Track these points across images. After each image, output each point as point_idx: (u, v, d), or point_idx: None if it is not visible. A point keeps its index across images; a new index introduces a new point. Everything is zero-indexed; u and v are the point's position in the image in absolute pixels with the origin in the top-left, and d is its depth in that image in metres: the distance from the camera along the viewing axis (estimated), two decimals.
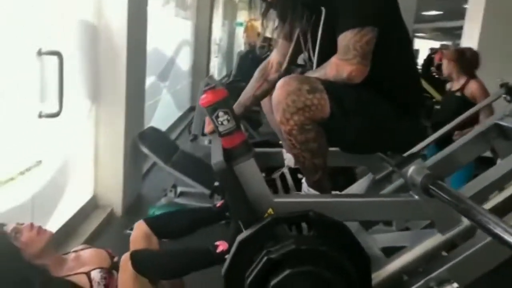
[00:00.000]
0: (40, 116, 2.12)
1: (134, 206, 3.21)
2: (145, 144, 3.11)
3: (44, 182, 2.30)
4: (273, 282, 1.14)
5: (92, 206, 2.96)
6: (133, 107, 3.08)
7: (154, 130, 3.48)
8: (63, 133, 2.49)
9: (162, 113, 5.03)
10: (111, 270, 1.47)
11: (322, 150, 1.34)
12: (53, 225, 2.42)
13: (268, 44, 8.86)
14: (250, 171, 1.26)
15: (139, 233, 1.58)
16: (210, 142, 4.85)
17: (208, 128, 1.54)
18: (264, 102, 1.74)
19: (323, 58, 1.38)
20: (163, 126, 5.05)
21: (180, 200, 3.26)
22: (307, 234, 1.22)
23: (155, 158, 3.12)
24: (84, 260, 1.51)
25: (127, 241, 2.73)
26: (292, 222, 1.24)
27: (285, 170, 1.74)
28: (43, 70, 2.12)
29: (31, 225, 1.42)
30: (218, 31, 9.98)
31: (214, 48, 9.18)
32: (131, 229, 2.80)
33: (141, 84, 3.31)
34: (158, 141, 3.38)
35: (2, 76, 1.84)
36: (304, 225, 1.24)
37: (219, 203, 1.73)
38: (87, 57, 2.70)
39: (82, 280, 1.38)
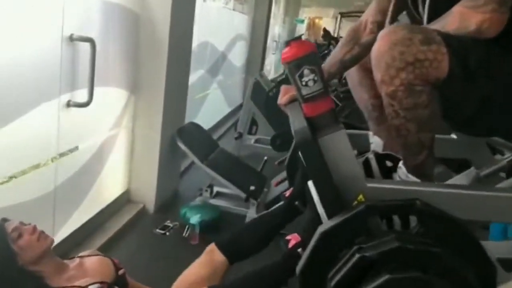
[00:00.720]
0: (69, 105, 2.02)
1: (167, 204, 3.09)
2: (182, 140, 2.98)
3: (77, 170, 2.23)
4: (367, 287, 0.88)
5: (123, 201, 2.88)
6: (173, 101, 2.95)
7: (194, 126, 3.35)
8: (99, 122, 2.41)
9: (210, 108, 4.91)
10: (112, 286, 1.32)
11: (433, 121, 1.06)
12: (81, 215, 2.35)
13: (328, 42, 8.57)
14: (339, 145, 1.01)
15: (209, 259, 1.39)
16: (255, 141, 4.72)
17: (284, 98, 1.30)
18: (351, 72, 1.49)
19: (437, 11, 1.10)
20: (210, 121, 4.95)
21: (215, 201, 3.10)
22: (413, 230, 0.97)
23: (192, 155, 2.98)
24: (86, 269, 1.38)
25: (156, 240, 2.65)
26: (392, 213, 0.99)
27: (370, 156, 1.47)
28: (76, 57, 2.03)
29: (34, 228, 1.31)
30: (277, 28, 9.78)
31: (272, 45, 8.99)
32: (161, 228, 2.74)
33: (183, 77, 3.18)
34: (197, 138, 3.24)
35: (34, 60, 1.76)
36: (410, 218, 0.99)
37: (287, 192, 1.52)
38: (127, 47, 2.60)
39: None
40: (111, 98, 2.52)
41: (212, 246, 1.43)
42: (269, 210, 1.53)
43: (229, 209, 3.06)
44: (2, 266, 1.23)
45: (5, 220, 1.31)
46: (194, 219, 2.66)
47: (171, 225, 2.80)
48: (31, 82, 1.77)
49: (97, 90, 2.16)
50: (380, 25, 1.34)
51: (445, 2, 1.06)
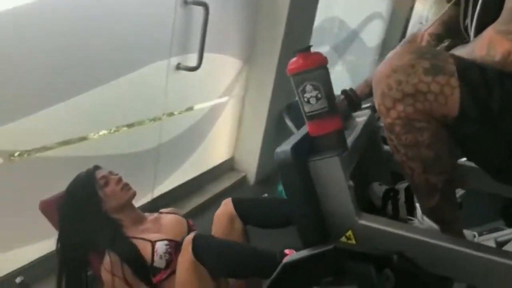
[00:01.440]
0: (178, 67, 2.11)
1: (268, 178, 3.09)
2: (290, 117, 2.92)
3: (182, 131, 2.34)
4: None
5: (226, 168, 2.96)
6: (286, 76, 2.89)
7: None
8: (208, 88, 2.49)
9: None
10: (181, 245, 1.35)
11: (442, 164, 0.92)
12: (182, 175, 2.47)
13: None
14: (331, 173, 0.94)
15: (224, 211, 1.45)
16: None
17: None
18: None
19: (482, 29, 0.92)
20: None
21: None
22: (383, 281, 0.85)
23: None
24: (161, 224, 1.44)
25: None
26: (366, 261, 0.87)
27: (401, 187, 1.32)
28: (189, 21, 2.09)
29: (119, 179, 1.41)
30: (424, 9, 8.97)
31: (416, 27, 8.31)
32: None
33: None
34: None
35: (149, 21, 1.86)
36: (387, 271, 0.87)
37: None
38: (244, 15, 2.60)
39: (145, 248, 1.30)
40: (223, 65, 2.56)
41: (228, 200, 1.49)
42: None
43: None
44: (89, 209, 1.34)
45: (97, 167, 1.43)
46: None
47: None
48: (143, 42, 1.87)
49: (208, 56, 2.22)
50: (439, 38, 1.19)
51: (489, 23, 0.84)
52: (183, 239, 1.41)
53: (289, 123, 2.93)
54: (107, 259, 1.27)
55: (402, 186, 1.34)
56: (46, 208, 1.38)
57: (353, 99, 1.30)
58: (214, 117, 2.63)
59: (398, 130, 0.90)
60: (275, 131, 3.01)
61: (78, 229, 1.32)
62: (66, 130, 1.64)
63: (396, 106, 0.88)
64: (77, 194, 1.35)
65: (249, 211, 1.45)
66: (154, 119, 2.09)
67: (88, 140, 1.78)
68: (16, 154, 1.48)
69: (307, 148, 1.00)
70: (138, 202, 2.17)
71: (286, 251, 1.15)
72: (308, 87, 0.99)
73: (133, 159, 2.02)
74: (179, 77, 2.14)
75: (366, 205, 1.36)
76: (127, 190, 1.41)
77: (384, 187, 1.37)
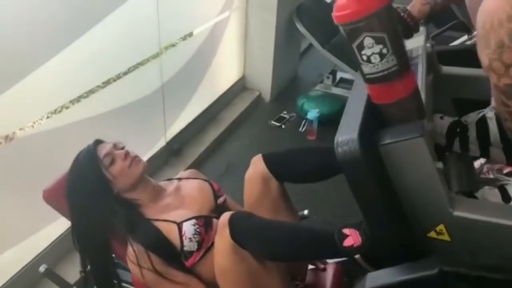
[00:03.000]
0: None
1: (284, 92, 2.86)
2: (302, 21, 2.58)
3: (184, 62, 2.08)
4: None
5: (239, 88, 2.72)
6: None
7: (315, 1, 2.85)
8: (206, 6, 2.15)
9: None
10: (209, 219, 1.18)
11: None
12: (195, 105, 2.26)
13: None
14: (414, 158, 0.69)
15: (255, 172, 1.25)
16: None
17: None
18: None
19: None
20: None
21: (337, 90, 2.77)
22: None
23: (312, 39, 2.59)
24: (183, 196, 1.25)
25: (271, 133, 2.50)
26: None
27: (489, 114, 1.05)
28: None
29: (126, 154, 1.18)
30: None
31: None
32: (277, 120, 2.56)
33: None
34: (318, 16, 2.77)
35: None
36: None
37: None
38: None
39: (171, 231, 1.13)
40: None
41: (257, 157, 1.26)
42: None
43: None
44: (98, 194, 1.16)
45: (98, 142, 1.21)
46: (312, 113, 2.40)
47: (287, 116, 2.61)
48: None
49: None
50: None
51: None
52: (210, 210, 1.24)
53: (301, 28, 2.59)
54: (130, 249, 1.13)
55: (471, 119, 1.09)
56: (51, 197, 1.21)
57: (409, 24, 1.01)
58: (216, 37, 2.32)
59: None
60: (286, 39, 2.69)
61: (91, 218, 1.15)
62: (59, 94, 1.43)
63: None
64: (81, 180, 1.16)
65: (284, 166, 1.23)
66: (152, 57, 1.81)
67: (89, 98, 1.56)
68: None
69: (372, 124, 0.75)
70: (153, 149, 2.01)
71: (346, 230, 0.97)
72: (368, 40, 0.70)
73: (138, 107, 1.81)
74: (170, 1, 1.80)
75: None
76: (136, 164, 1.19)
77: (448, 120, 1.12)
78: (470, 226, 0.69)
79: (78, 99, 1.53)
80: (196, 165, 2.14)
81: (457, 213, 0.69)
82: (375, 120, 0.76)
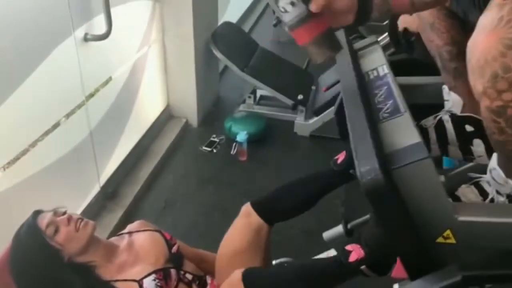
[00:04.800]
0: (86, 39, 1.75)
1: (210, 115, 2.93)
2: (218, 48, 2.67)
3: (111, 103, 2.06)
4: None
5: (166, 117, 2.74)
6: (204, 2, 2.56)
7: (228, 27, 2.97)
8: (125, 47, 2.14)
9: None
10: (167, 271, 1.22)
11: None
12: (124, 145, 2.25)
13: None
14: (423, 177, 0.79)
15: (248, 224, 1.25)
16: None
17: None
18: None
19: None
20: (245, 1, 4.46)
21: (260, 108, 2.90)
22: None
23: (230, 64, 2.69)
24: (137, 251, 1.27)
25: (203, 160, 2.56)
26: (501, 283, 0.81)
27: (445, 117, 1.22)
28: None
29: (68, 218, 1.17)
30: None
31: None
32: (208, 145, 2.62)
33: None
34: (233, 41, 2.89)
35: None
36: None
37: (340, 156, 1.32)
38: None
39: None
40: (134, 14, 2.18)
41: (247, 208, 1.27)
42: (316, 173, 1.30)
43: (276, 116, 2.86)
44: (48, 267, 1.14)
45: (37, 213, 1.19)
46: (241, 136, 2.50)
47: (217, 140, 2.68)
48: (40, 26, 1.49)
49: (116, 10, 1.86)
50: None
51: None
52: (166, 261, 1.28)
53: (219, 55, 2.69)
54: None
55: (430, 123, 1.24)
56: None
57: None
58: (138, 73, 2.32)
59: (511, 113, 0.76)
60: (205, 64, 2.76)
61: None
62: None
63: None
64: (27, 257, 1.13)
65: (276, 210, 1.26)
66: (77, 107, 1.78)
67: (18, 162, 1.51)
68: None
69: (378, 144, 0.84)
70: (88, 197, 1.97)
71: (348, 247, 1.05)
72: None
73: (68, 160, 1.77)
74: (90, 48, 1.79)
75: None
76: (83, 226, 1.18)
77: None
78: (474, 227, 0.81)
79: (8, 165, 1.47)
80: (134, 205, 2.14)
81: (461, 218, 0.80)
82: (380, 144, 0.84)
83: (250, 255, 1.24)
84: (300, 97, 2.66)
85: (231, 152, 2.57)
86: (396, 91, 1.01)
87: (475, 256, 0.81)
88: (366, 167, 0.74)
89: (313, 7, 0.83)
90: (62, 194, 1.81)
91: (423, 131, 1.23)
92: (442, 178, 0.84)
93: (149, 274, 1.18)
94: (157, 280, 1.18)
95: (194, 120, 2.81)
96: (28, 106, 1.49)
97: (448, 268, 0.79)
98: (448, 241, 0.82)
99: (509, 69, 0.70)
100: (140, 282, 1.16)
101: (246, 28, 4.10)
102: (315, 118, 2.70)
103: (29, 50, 1.47)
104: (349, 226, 1.43)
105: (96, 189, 2.02)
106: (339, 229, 1.44)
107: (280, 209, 1.27)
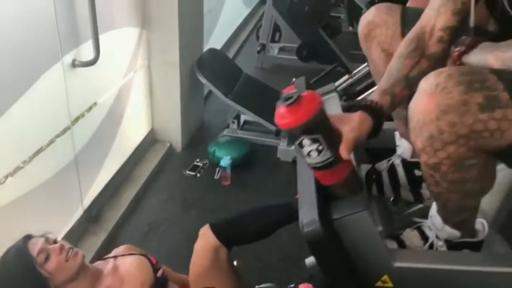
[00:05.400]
0: (74, 65, 1.78)
1: (194, 140, 2.96)
2: (203, 74, 2.73)
3: (96, 127, 2.08)
4: None
5: (149, 141, 2.76)
6: (188, 29, 2.63)
7: (213, 54, 3.04)
8: (111, 73, 2.18)
9: (228, 12, 4.46)
10: None
11: (484, 191, 0.90)
12: (109, 167, 2.26)
13: None
14: (360, 227, 0.87)
15: (205, 245, 1.31)
16: (280, 50, 4.37)
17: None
18: (373, 56, 1.25)
19: None
20: (230, 28, 4.56)
21: (243, 133, 2.95)
22: None
23: (215, 90, 2.75)
24: (122, 276, 1.28)
25: (187, 184, 2.57)
26: None
27: (397, 162, 1.29)
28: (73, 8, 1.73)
29: (60, 247, 1.18)
30: None
31: None
32: (191, 169, 2.64)
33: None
34: (218, 67, 2.96)
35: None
36: None
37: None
38: None
39: None
40: (121, 41, 2.23)
41: (205, 230, 1.32)
42: (279, 205, 1.36)
43: (260, 141, 2.91)
44: None
45: (28, 237, 1.20)
46: (224, 160, 2.53)
47: (200, 164, 2.70)
48: (28, 52, 1.52)
49: (103, 36, 1.90)
50: (453, 32, 1.00)
51: None
52: (151, 285, 1.30)
53: (203, 81, 2.74)
54: None
55: (383, 166, 1.31)
56: None
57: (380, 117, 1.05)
58: (123, 98, 2.35)
59: (445, 169, 0.82)
60: (190, 89, 2.81)
61: None
62: None
63: (446, 148, 0.79)
64: (15, 282, 1.14)
65: (234, 234, 1.31)
66: (63, 132, 1.80)
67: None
68: None
69: (324, 199, 0.90)
70: (71, 220, 1.97)
71: (301, 286, 1.07)
72: (306, 141, 0.84)
73: (53, 183, 1.77)
74: (77, 74, 1.82)
75: None
76: (74, 256, 1.20)
77: (365, 168, 1.33)
78: (409, 272, 0.89)
79: None
80: (117, 228, 2.14)
81: (397, 264, 0.89)
82: (325, 194, 0.91)
83: (213, 277, 1.29)
84: None
85: (215, 177, 2.60)
86: None
87: None
88: (308, 218, 0.81)
89: (344, 155, 0.88)
90: (46, 216, 1.81)
91: (377, 174, 1.30)
92: (380, 228, 0.91)
93: None
94: None
95: (178, 144, 2.83)
96: (15, 129, 1.51)
97: None
98: (386, 285, 0.90)
99: (443, 131, 0.77)
100: None
101: (231, 54, 4.19)
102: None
103: (18, 75, 1.50)
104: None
105: (79, 212, 2.02)
106: None
107: (237, 234, 1.32)
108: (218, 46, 3.72)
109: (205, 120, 3.21)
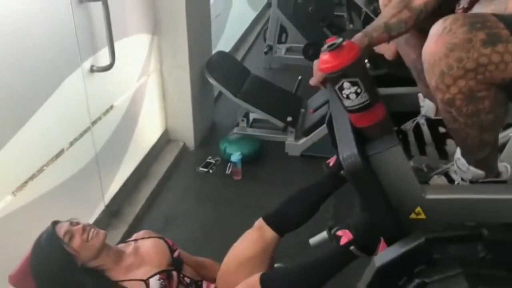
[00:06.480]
0: (92, 70, 1.94)
1: (206, 138, 3.11)
2: (212, 75, 2.87)
3: (114, 128, 2.24)
4: None
5: (164, 141, 2.91)
6: (197, 33, 2.78)
7: (222, 55, 3.19)
8: (126, 77, 2.34)
9: (236, 16, 4.61)
10: (170, 272, 1.38)
11: (499, 122, 0.97)
12: (127, 166, 2.41)
13: None
14: (394, 162, 0.95)
15: (261, 237, 1.42)
16: (287, 51, 4.48)
17: (314, 78, 1.08)
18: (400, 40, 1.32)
19: None
20: (238, 31, 4.71)
21: (253, 131, 3.08)
22: (478, 257, 0.93)
23: (224, 90, 2.89)
24: (142, 255, 1.43)
25: (200, 179, 2.72)
26: (456, 243, 0.96)
27: (421, 121, 1.38)
28: (90, 18, 1.89)
29: (83, 228, 1.33)
30: None
31: None
32: (204, 166, 2.79)
33: (204, 4, 2.94)
34: (227, 68, 3.11)
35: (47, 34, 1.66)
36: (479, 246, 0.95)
37: (331, 160, 1.49)
38: None
39: None
40: (134, 47, 2.39)
41: (261, 222, 1.44)
42: (311, 184, 1.47)
43: (268, 137, 3.04)
44: (64, 270, 1.29)
45: (56, 222, 1.35)
46: (235, 156, 2.67)
47: (213, 161, 2.84)
48: (50, 59, 1.68)
49: (118, 44, 2.06)
50: None
51: None
52: (168, 264, 1.43)
53: (213, 82, 2.89)
54: None
55: (409, 127, 1.39)
56: (18, 281, 1.31)
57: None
58: (138, 101, 2.51)
59: (459, 104, 0.90)
60: (201, 91, 2.96)
61: None
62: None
63: (457, 83, 0.87)
64: (47, 261, 1.29)
65: (287, 222, 1.43)
66: (84, 132, 1.96)
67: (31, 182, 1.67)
68: None
69: (359, 138, 0.99)
70: (93, 215, 2.12)
71: (338, 233, 1.21)
72: (346, 84, 0.93)
73: (76, 180, 1.93)
74: (95, 79, 1.98)
75: None
76: (95, 236, 1.35)
77: None
78: (440, 204, 0.97)
79: (23, 185, 1.63)
80: (137, 221, 2.29)
81: (428, 196, 0.97)
82: (359, 136, 1.01)
83: (259, 263, 1.40)
84: (289, 118, 2.85)
85: (226, 172, 2.74)
86: None
87: (437, 226, 0.96)
88: (348, 152, 0.91)
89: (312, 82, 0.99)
90: (71, 212, 1.95)
91: (403, 134, 1.39)
92: (411, 163, 0.99)
93: (154, 275, 1.34)
94: (161, 280, 1.33)
95: (191, 143, 2.98)
96: (41, 130, 1.66)
97: (414, 233, 0.94)
98: (419, 217, 0.97)
99: (452, 67, 0.85)
100: (147, 282, 1.32)
101: (239, 56, 4.34)
102: (305, 139, 2.88)
103: (43, 81, 1.66)
104: (332, 231, 1.60)
105: (101, 208, 2.17)
106: (323, 234, 1.60)
107: (291, 220, 1.44)
108: (226, 49, 3.87)
109: (216, 120, 3.36)
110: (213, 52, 3.17)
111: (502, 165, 1.09)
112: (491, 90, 0.88)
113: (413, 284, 0.90)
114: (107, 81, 2.08)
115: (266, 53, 4.14)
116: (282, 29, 4.29)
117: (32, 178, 1.67)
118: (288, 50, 4.43)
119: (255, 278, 1.24)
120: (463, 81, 0.86)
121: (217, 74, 2.90)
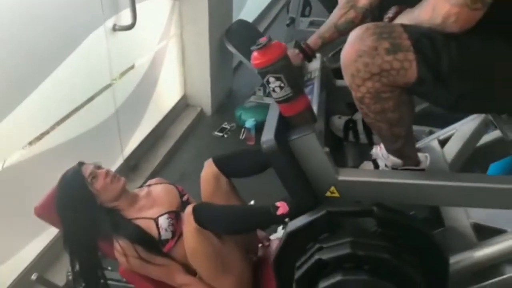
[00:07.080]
0: (115, 29, 2.05)
1: (223, 105, 3.21)
2: (231, 42, 2.94)
3: (134, 87, 2.36)
4: (322, 285, 1.05)
5: (182, 106, 3.03)
6: (219, 1, 2.85)
7: (242, 24, 3.24)
8: (148, 39, 2.44)
9: None
10: (178, 213, 1.49)
11: (405, 119, 1.09)
12: (146, 125, 2.55)
13: None
14: (309, 147, 1.10)
15: (208, 172, 1.56)
16: (310, 24, 4.50)
17: None
18: None
19: None
20: (262, 2, 4.73)
21: (269, 100, 3.14)
22: (370, 231, 1.07)
23: (242, 58, 2.96)
24: (154, 198, 1.55)
25: (215, 143, 2.84)
26: (353, 217, 1.09)
27: (358, 116, 1.49)
28: None
29: (107, 172, 1.46)
30: None
31: None
32: (220, 131, 2.90)
33: None
34: (245, 37, 3.16)
35: None
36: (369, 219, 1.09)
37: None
38: None
39: (150, 226, 1.43)
40: (156, 10, 2.48)
41: (209, 161, 1.56)
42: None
43: None
44: (85, 205, 1.42)
45: (81, 164, 1.48)
46: (249, 122, 2.77)
47: (228, 127, 2.95)
48: (75, 14, 1.80)
49: (140, 5, 2.15)
50: None
51: None
52: (177, 207, 1.55)
53: (230, 48, 2.96)
54: (117, 244, 1.41)
55: (359, 116, 1.50)
56: (42, 212, 1.46)
57: (307, 52, 1.38)
58: (158, 64, 2.62)
59: (368, 102, 1.03)
60: (219, 58, 3.04)
61: (80, 226, 1.42)
62: (32, 129, 1.67)
63: (365, 84, 1.00)
64: (70, 195, 1.42)
65: (230, 166, 1.57)
66: (105, 87, 2.08)
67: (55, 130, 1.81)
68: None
69: (284, 127, 1.12)
70: (113, 167, 2.26)
71: (277, 204, 1.32)
72: (271, 79, 1.08)
73: (98, 132, 2.06)
74: (117, 37, 2.09)
75: (330, 138, 1.54)
76: (117, 181, 1.47)
77: (343, 119, 1.54)
78: (351, 185, 1.12)
79: (47, 132, 1.78)
80: (153, 176, 2.42)
81: (340, 178, 1.11)
82: (286, 124, 1.14)
83: (213, 199, 1.52)
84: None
85: (240, 137, 2.84)
86: (316, 89, 1.32)
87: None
88: (266, 137, 1.05)
89: None
90: (92, 161, 2.10)
91: (353, 123, 1.52)
92: (327, 149, 1.11)
93: (163, 214, 1.46)
94: (170, 219, 1.45)
95: (208, 109, 3.09)
96: (66, 81, 1.79)
97: (320, 207, 1.10)
98: (334, 195, 1.13)
99: (360, 70, 0.98)
100: (156, 220, 1.44)
101: (262, 28, 4.37)
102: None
103: (67, 36, 1.77)
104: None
105: (120, 161, 2.31)
106: None
107: (233, 167, 1.56)
108: (249, 20, 3.91)
109: (234, 88, 3.44)
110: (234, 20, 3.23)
111: (422, 155, 1.22)
112: (395, 92, 1.00)
113: (314, 248, 1.06)
114: (128, 41, 2.19)
115: (288, 25, 4.15)
116: (306, 2, 4.29)
117: (58, 123, 1.81)
118: (311, 23, 4.42)
119: (188, 209, 1.36)
120: (370, 83, 0.98)
121: (236, 42, 2.97)
